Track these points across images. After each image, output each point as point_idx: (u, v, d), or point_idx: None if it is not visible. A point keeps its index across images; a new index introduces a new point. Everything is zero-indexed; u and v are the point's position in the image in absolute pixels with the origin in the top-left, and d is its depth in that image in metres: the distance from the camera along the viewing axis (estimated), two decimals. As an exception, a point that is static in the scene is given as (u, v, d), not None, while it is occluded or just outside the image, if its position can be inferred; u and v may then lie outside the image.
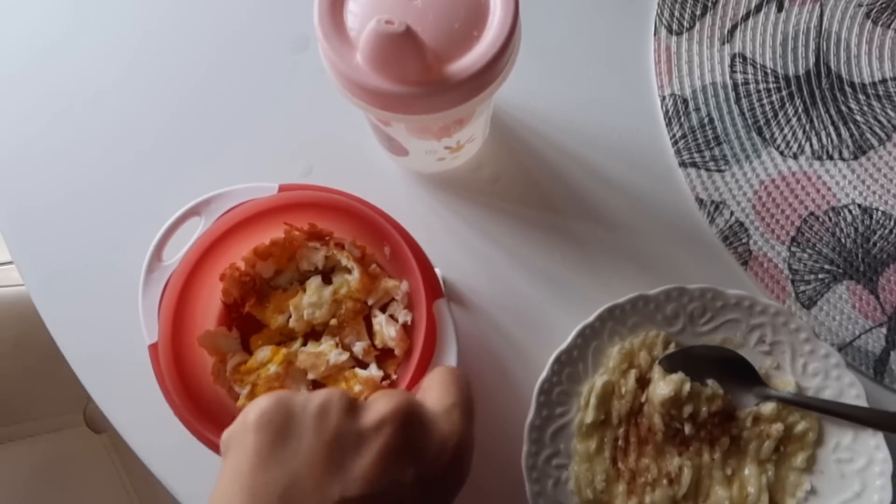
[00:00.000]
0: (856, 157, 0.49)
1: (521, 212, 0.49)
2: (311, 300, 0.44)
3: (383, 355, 0.45)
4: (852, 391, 0.43)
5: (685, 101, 0.50)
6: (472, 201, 0.49)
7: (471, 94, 0.37)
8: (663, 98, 0.50)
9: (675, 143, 0.50)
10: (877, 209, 0.48)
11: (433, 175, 0.50)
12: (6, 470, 0.59)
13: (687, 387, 0.42)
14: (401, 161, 0.48)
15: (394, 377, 0.44)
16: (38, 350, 0.66)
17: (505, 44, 0.35)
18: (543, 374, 0.43)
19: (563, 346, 0.43)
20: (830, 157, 0.49)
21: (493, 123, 0.50)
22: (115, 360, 0.47)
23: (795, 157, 0.49)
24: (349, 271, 0.44)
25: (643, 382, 0.43)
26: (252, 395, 0.43)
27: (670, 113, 0.50)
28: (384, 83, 0.35)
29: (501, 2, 0.36)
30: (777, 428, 0.42)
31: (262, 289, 0.45)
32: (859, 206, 0.48)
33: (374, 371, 0.44)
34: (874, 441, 0.42)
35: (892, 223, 0.48)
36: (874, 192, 0.48)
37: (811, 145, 0.49)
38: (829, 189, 0.49)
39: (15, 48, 0.54)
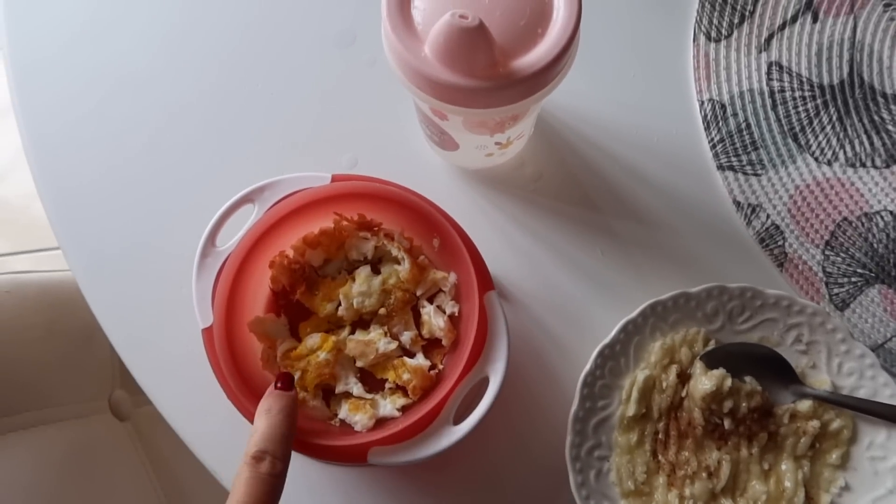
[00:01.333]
0: (888, 166, 0.50)
1: (562, 209, 0.50)
2: (360, 289, 0.45)
3: (430, 346, 0.46)
4: (886, 391, 0.44)
5: (723, 106, 0.52)
6: (514, 198, 0.50)
7: (533, 90, 0.38)
8: (702, 103, 0.52)
9: (714, 146, 0.51)
10: None
11: (477, 171, 0.51)
12: (36, 454, 0.59)
13: (728, 382, 0.43)
14: (447, 156, 0.49)
15: (440, 367, 0.45)
16: (68, 336, 0.66)
17: (568, 42, 0.37)
18: (587, 368, 0.44)
19: (607, 340, 0.44)
20: (864, 165, 0.51)
21: (537, 123, 0.51)
22: (161, 344, 0.48)
23: (830, 163, 0.51)
24: (398, 262, 0.45)
25: (684, 378, 0.44)
26: (302, 382, 0.43)
27: (708, 117, 0.51)
28: (452, 76, 0.36)
29: (565, 1, 0.37)
30: (813, 425, 0.44)
31: (310, 277, 0.46)
32: (891, 212, 0.49)
33: (421, 360, 0.44)
34: (907, 439, 0.43)
35: None
36: None
37: (845, 153, 0.51)
38: (862, 195, 0.50)
39: (62, 31, 0.54)
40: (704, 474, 0.43)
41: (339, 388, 0.44)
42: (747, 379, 0.44)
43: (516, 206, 0.50)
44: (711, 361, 0.44)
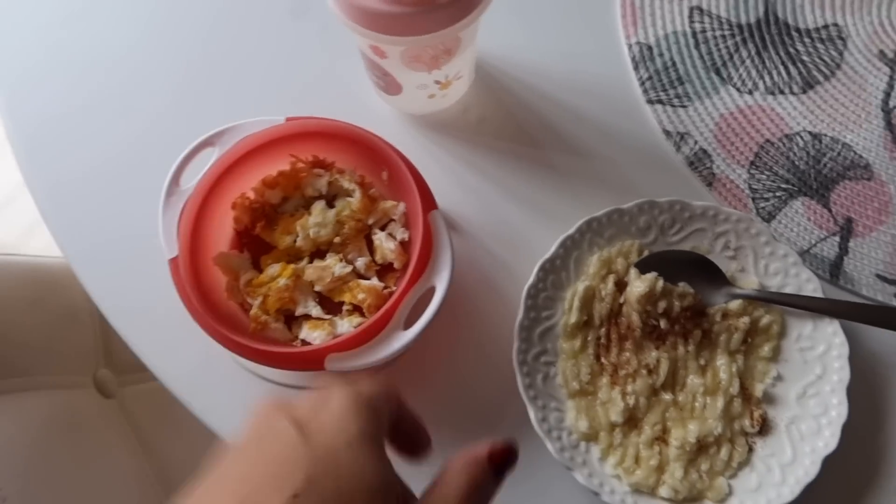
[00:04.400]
0: (804, 91, 0.55)
1: (505, 147, 0.53)
2: (316, 220, 0.48)
3: (384, 270, 0.49)
4: (809, 286, 0.47)
5: (650, 47, 0.56)
6: (460, 140, 0.54)
7: (460, 15, 0.41)
8: (630, 46, 0.56)
9: (643, 83, 0.55)
10: (825, 135, 0.53)
11: (424, 117, 0.55)
12: (19, 418, 0.61)
13: (660, 284, 0.46)
14: (394, 101, 0.53)
15: (393, 288, 0.48)
16: (53, 313, 0.69)
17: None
18: (530, 281, 0.47)
19: (547, 255, 0.47)
20: (782, 92, 0.55)
21: (478, 72, 0.55)
22: (134, 278, 0.51)
23: (751, 92, 0.55)
24: (350, 194, 0.49)
25: (621, 286, 0.48)
26: (264, 305, 0.47)
27: (637, 58, 0.56)
28: (381, 4, 0.40)
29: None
30: (744, 321, 0.47)
31: (270, 214, 0.49)
32: (810, 132, 0.53)
33: (375, 282, 0.48)
34: (831, 328, 0.46)
35: (839, 146, 0.53)
36: (822, 121, 0.54)
37: (764, 82, 0.55)
38: (783, 119, 0.54)
39: (33, 18, 0.58)
40: (645, 372, 0.46)
41: (299, 311, 0.47)
42: (681, 284, 0.47)
43: (462, 147, 0.54)
44: (645, 268, 0.47)
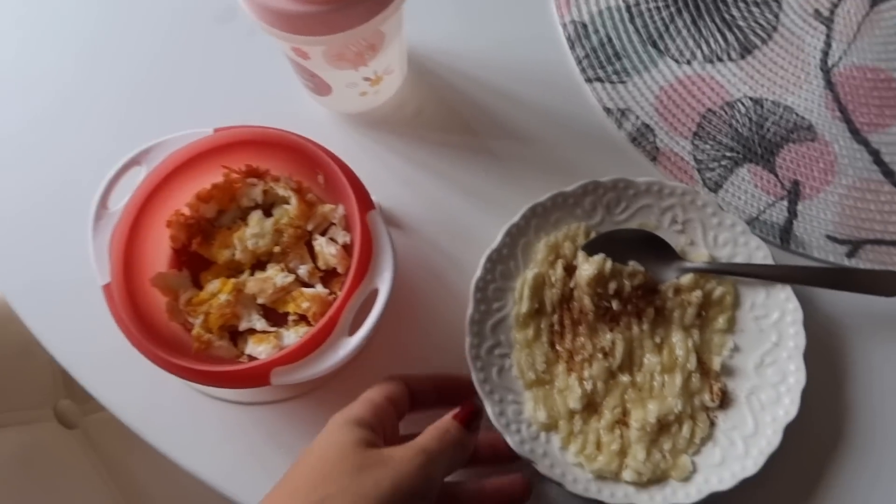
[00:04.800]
0: (743, 57, 0.54)
1: (445, 139, 0.52)
2: (253, 231, 0.47)
3: (328, 276, 0.48)
4: (759, 253, 0.46)
5: (584, 25, 0.55)
6: (398, 134, 0.53)
7: (377, 8, 0.40)
8: (564, 25, 0.55)
9: (580, 62, 0.54)
10: (766, 99, 0.53)
11: (360, 115, 0.53)
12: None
13: (608, 265, 0.45)
14: (326, 102, 0.52)
15: (339, 294, 0.46)
16: (4, 348, 0.67)
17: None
18: (477, 273, 0.46)
19: (493, 246, 0.46)
20: (720, 60, 0.54)
21: (411, 65, 0.54)
22: (73, 307, 0.49)
23: (689, 62, 0.54)
24: (287, 202, 0.48)
25: (570, 270, 0.47)
26: (206, 323, 0.45)
27: (572, 37, 0.55)
28: (294, 4, 0.39)
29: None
30: (696, 295, 0.46)
31: (206, 229, 0.48)
32: (750, 98, 0.53)
33: (319, 289, 0.46)
34: (784, 294, 0.46)
35: (781, 110, 0.52)
36: (762, 85, 0.53)
37: (702, 51, 0.54)
38: (723, 87, 0.53)
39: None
40: (600, 355, 0.45)
41: (243, 326, 0.46)
42: (631, 263, 0.46)
43: (401, 141, 0.52)
44: (593, 250, 0.46)
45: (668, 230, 0.48)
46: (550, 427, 0.45)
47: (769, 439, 0.43)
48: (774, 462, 0.42)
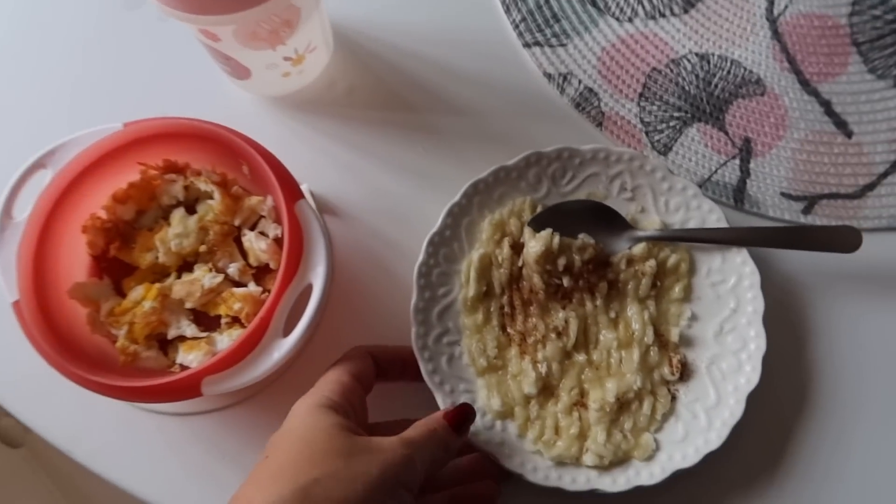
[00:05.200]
0: (686, 11, 0.51)
1: (379, 116, 0.49)
2: (176, 231, 0.43)
3: (262, 273, 0.45)
4: (713, 216, 0.44)
5: (519, -14, 0.52)
6: (330, 116, 0.49)
7: None
8: (498, -13, 0.52)
9: (516, 26, 0.51)
10: (713, 54, 0.50)
11: (287, 97, 0.50)
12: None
13: (556, 240, 0.43)
14: (249, 86, 0.48)
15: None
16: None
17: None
18: (420, 258, 0.43)
19: (435, 228, 0.44)
20: (663, 15, 0.51)
21: (339, 40, 0.51)
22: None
23: (631, 20, 0.51)
24: (211, 196, 0.44)
25: (518, 248, 0.44)
26: (131, 334, 0.42)
27: (507, 0, 0.51)
28: None
29: None
30: (650, 265, 0.44)
31: (126, 232, 0.44)
32: (696, 54, 0.50)
33: (252, 288, 0.43)
34: (740, 258, 0.44)
35: (728, 64, 0.50)
36: (707, 40, 0.51)
37: (643, 7, 0.51)
38: (667, 44, 0.51)
39: None
40: (554, 335, 0.43)
41: (172, 333, 0.43)
42: (580, 236, 0.44)
43: (333, 123, 0.49)
44: (539, 225, 0.44)
45: (617, 198, 0.46)
46: (506, 415, 0.43)
47: (732, 410, 0.42)
48: (738, 433, 0.41)
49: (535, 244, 0.43)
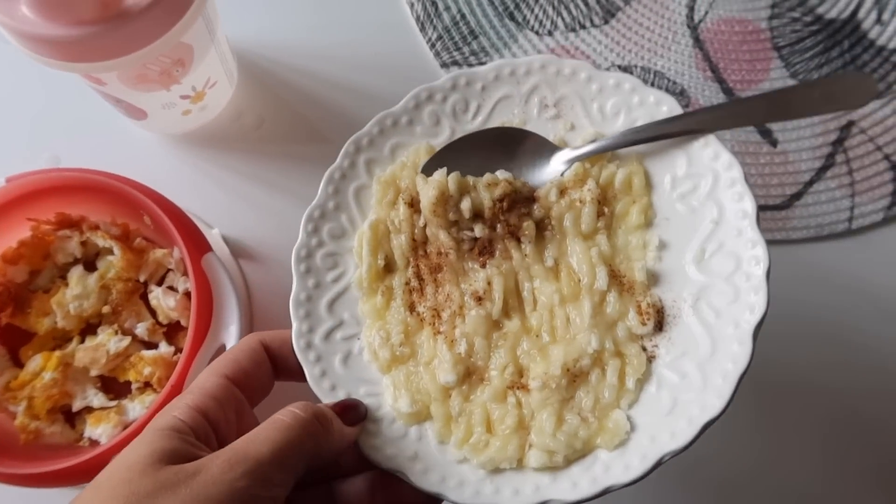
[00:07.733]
0: (606, 21, 0.49)
1: (291, 150, 0.46)
2: (74, 292, 0.40)
3: (174, 329, 0.40)
4: (663, 108, 0.33)
5: (434, 2, 0.49)
6: (239, 151, 0.46)
7: (168, 20, 0.35)
8: (412, 5, 0.50)
9: (433, 45, 0.49)
10: (636, 66, 0.48)
11: (193, 134, 0.47)
12: None
13: (452, 180, 0.33)
14: (149, 126, 0.46)
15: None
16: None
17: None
18: (299, 239, 0.35)
19: (314, 202, 0.36)
20: (583, 27, 0.49)
21: (245, 68, 0.49)
22: None
23: (550, 33, 0.49)
24: (111, 251, 0.41)
25: (417, 206, 0.35)
26: (31, 410, 0.38)
27: (422, 18, 0.49)
28: (59, 29, 0.34)
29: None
30: (589, 188, 0.33)
31: (20, 295, 0.42)
32: (619, 66, 0.48)
33: (163, 349, 0.39)
34: (710, 151, 0.32)
35: (651, 76, 0.48)
36: (630, 51, 0.48)
37: (563, 19, 0.49)
38: (588, 57, 0.48)
39: None
40: (473, 302, 0.32)
41: (77, 405, 0.39)
42: (498, 173, 0.34)
43: (243, 160, 0.46)
44: (435, 169, 0.34)
45: (539, 120, 0.36)
46: (421, 416, 0.31)
47: (734, 357, 0.29)
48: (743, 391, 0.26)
49: (428, 190, 0.34)
